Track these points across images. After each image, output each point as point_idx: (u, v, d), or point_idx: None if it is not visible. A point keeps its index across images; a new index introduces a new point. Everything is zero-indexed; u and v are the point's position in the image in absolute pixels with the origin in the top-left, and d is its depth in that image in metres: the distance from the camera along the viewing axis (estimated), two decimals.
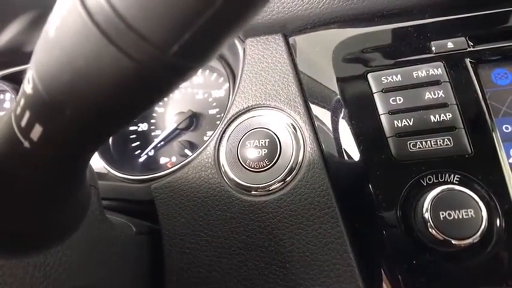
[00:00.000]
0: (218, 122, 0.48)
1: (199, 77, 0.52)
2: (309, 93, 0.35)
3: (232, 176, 0.34)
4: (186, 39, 0.14)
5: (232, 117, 0.37)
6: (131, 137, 0.52)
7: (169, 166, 0.46)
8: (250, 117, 0.36)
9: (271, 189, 0.33)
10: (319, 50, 0.36)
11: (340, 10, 0.35)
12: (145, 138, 0.51)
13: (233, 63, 0.47)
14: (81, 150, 0.20)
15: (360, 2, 0.35)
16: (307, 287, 0.31)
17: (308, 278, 0.31)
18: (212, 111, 0.50)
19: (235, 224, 0.33)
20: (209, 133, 0.49)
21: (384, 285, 0.29)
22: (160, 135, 0.51)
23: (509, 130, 0.30)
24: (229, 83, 0.47)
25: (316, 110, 0.35)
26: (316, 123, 0.34)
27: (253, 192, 0.33)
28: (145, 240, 0.38)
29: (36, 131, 0.18)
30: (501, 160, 0.29)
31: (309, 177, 0.32)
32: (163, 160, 0.50)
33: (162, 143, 0.51)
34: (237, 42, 0.43)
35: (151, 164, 0.50)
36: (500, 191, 0.28)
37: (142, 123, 0.52)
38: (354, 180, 0.32)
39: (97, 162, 0.47)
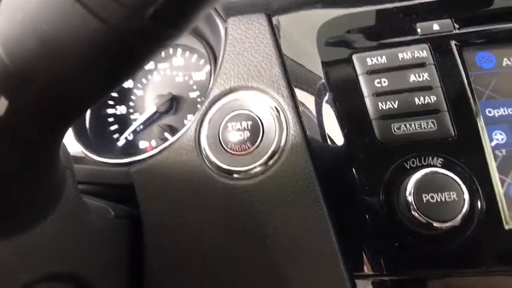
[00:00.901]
0: (199, 106, 0.46)
1: (179, 58, 0.50)
2: (292, 75, 0.34)
3: (213, 159, 0.33)
4: (163, 1, 0.13)
5: (214, 99, 0.35)
6: (109, 120, 0.50)
7: (149, 150, 0.45)
8: (232, 100, 0.35)
9: (253, 173, 0.32)
10: (303, 31, 0.35)
11: None
12: (123, 122, 0.49)
13: (214, 44, 0.45)
14: (51, 127, 0.19)
15: None
16: (288, 269, 0.31)
17: (290, 260, 0.31)
18: (193, 94, 0.48)
19: (217, 208, 0.32)
20: (190, 117, 0.48)
21: (365, 267, 0.29)
22: (139, 118, 0.49)
23: (492, 114, 0.30)
24: (211, 65, 0.46)
25: (299, 92, 0.34)
26: (300, 106, 0.33)
27: (235, 175, 0.32)
28: (125, 224, 0.37)
29: (1, 105, 0.16)
30: (483, 143, 0.29)
31: (292, 161, 0.31)
32: (142, 144, 0.48)
33: (142, 126, 0.49)
34: (218, 21, 0.41)
35: (130, 147, 0.49)
36: (481, 174, 0.28)
37: (120, 105, 0.50)
38: (337, 163, 0.31)
39: (74, 146, 0.45)
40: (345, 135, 0.31)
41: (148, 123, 0.49)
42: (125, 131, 0.49)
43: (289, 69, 0.35)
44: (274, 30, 0.37)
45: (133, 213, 0.38)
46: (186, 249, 0.34)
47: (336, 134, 0.31)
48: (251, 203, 0.32)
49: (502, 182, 0.28)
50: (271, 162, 0.32)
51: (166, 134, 0.47)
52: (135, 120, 0.49)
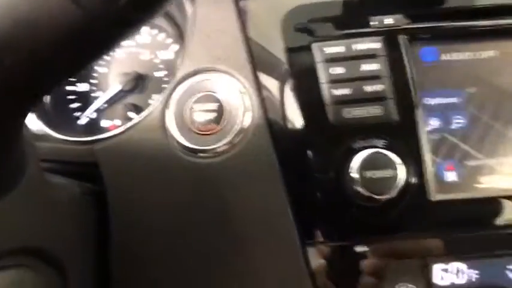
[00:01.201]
0: (165, 86, 0.47)
1: (146, 36, 0.49)
2: (258, 59, 0.36)
3: (179, 138, 0.34)
4: None
5: (180, 80, 0.36)
6: (70, 97, 0.49)
7: (112, 129, 0.45)
8: (198, 81, 0.36)
9: (218, 152, 0.34)
10: (269, 16, 0.37)
11: None
12: (85, 100, 0.49)
13: (182, 24, 0.45)
14: (18, 104, 0.19)
15: None
16: (249, 244, 0.34)
17: (250, 235, 0.34)
18: (159, 74, 0.48)
19: (182, 185, 0.34)
20: (155, 96, 0.48)
21: (316, 235, 0.32)
22: (102, 96, 0.48)
23: (429, 102, 0.34)
24: (179, 45, 0.46)
25: (264, 76, 0.36)
26: (264, 89, 0.35)
27: (199, 154, 0.34)
28: (90, 200, 0.38)
29: None
30: (420, 128, 0.33)
31: (255, 141, 0.34)
32: (105, 123, 0.48)
33: (106, 105, 0.48)
34: (186, 2, 0.41)
35: (94, 126, 0.48)
36: (416, 155, 0.32)
37: (82, 82, 0.49)
38: (295, 144, 0.34)
39: (35, 124, 0.43)
40: (303, 119, 0.34)
41: (112, 101, 0.48)
42: (86, 108, 0.48)
43: (254, 53, 0.36)
44: (241, 14, 0.38)
45: (99, 190, 0.38)
46: (151, 226, 0.36)
47: (295, 117, 0.34)
48: (215, 180, 0.34)
49: (433, 161, 0.33)
50: (235, 142, 0.34)
51: (131, 113, 0.47)
52: (97, 98, 0.49)
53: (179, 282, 0.36)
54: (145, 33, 0.49)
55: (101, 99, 0.48)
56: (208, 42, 0.37)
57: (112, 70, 0.49)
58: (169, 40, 0.49)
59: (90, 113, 0.48)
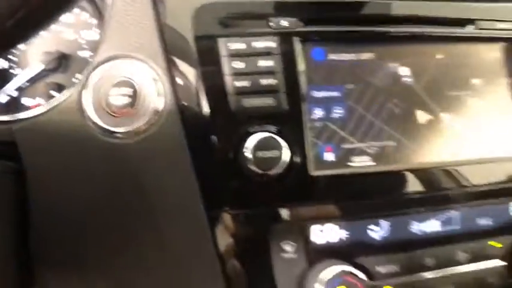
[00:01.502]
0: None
1: (70, 15, 0.50)
2: (171, 49, 0.40)
3: (95, 119, 0.38)
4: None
5: (97, 65, 0.39)
6: None
7: (33, 107, 0.46)
8: (115, 67, 0.39)
9: (133, 133, 0.38)
10: (182, 10, 0.40)
11: None
12: (4, 77, 0.48)
13: (102, 8, 0.47)
14: None
15: None
16: (160, 216, 0.39)
17: (162, 208, 0.39)
18: (83, 53, 0.50)
19: (98, 164, 0.38)
20: (78, 75, 0.49)
21: (220, 205, 0.39)
22: (22, 74, 0.48)
23: (315, 95, 0.41)
24: (99, 29, 0.48)
25: (176, 65, 0.40)
26: (176, 77, 0.40)
27: (116, 135, 0.38)
28: (9, 179, 0.40)
29: None
30: (306, 117, 0.40)
31: (167, 124, 0.38)
32: (27, 101, 0.49)
33: (28, 83, 0.49)
34: None
35: (14, 104, 0.48)
36: (301, 138, 0.39)
37: (0, 59, 0.49)
38: (202, 127, 0.39)
39: None
40: (209, 105, 0.39)
41: (34, 80, 0.49)
42: (4, 86, 0.48)
43: (168, 44, 0.40)
44: (156, 5, 0.41)
45: (18, 169, 0.40)
46: (69, 204, 0.39)
47: (203, 103, 0.39)
48: (130, 159, 0.38)
49: (315, 144, 0.40)
50: (148, 124, 0.38)
51: (53, 92, 0.48)
52: (16, 75, 0.49)
53: (98, 256, 0.41)
54: (69, 12, 0.50)
55: (21, 76, 0.48)
56: (125, 30, 0.39)
57: (33, 47, 0.49)
58: (93, 20, 0.50)
59: (10, 91, 0.48)
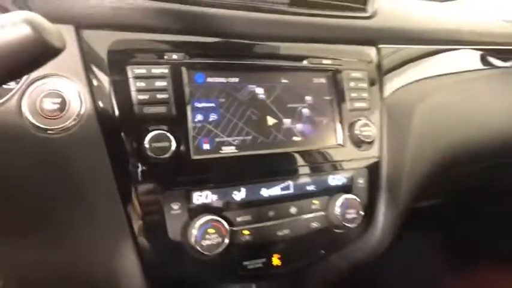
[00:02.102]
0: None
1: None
2: (90, 70, 0.56)
3: (32, 120, 0.52)
4: None
5: (32, 81, 0.53)
6: None
7: None
8: (47, 82, 0.54)
9: (60, 130, 0.53)
10: (100, 44, 0.56)
11: (109, 18, 0.56)
12: None
13: None
14: None
15: (123, 16, 0.56)
16: (84, 193, 0.55)
17: (84, 186, 0.55)
18: None
19: (32, 155, 0.52)
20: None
21: (128, 184, 0.57)
22: None
23: (197, 105, 0.61)
24: None
25: (95, 82, 0.56)
26: (95, 91, 0.56)
27: (48, 132, 0.53)
28: None
29: None
30: (190, 120, 0.60)
31: (87, 125, 0.55)
32: None
33: None
34: None
35: None
36: (185, 134, 0.59)
37: None
38: (115, 127, 0.56)
39: None
40: (120, 112, 0.56)
41: None
42: None
43: (89, 66, 0.56)
44: (81, 39, 0.56)
45: None
46: (8, 196, 0.53)
47: (115, 110, 0.56)
48: (58, 150, 0.53)
49: (194, 138, 0.60)
50: (72, 124, 0.54)
51: None
52: None
53: (33, 221, 0.55)
54: None
55: None
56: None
57: None
58: None
59: None
